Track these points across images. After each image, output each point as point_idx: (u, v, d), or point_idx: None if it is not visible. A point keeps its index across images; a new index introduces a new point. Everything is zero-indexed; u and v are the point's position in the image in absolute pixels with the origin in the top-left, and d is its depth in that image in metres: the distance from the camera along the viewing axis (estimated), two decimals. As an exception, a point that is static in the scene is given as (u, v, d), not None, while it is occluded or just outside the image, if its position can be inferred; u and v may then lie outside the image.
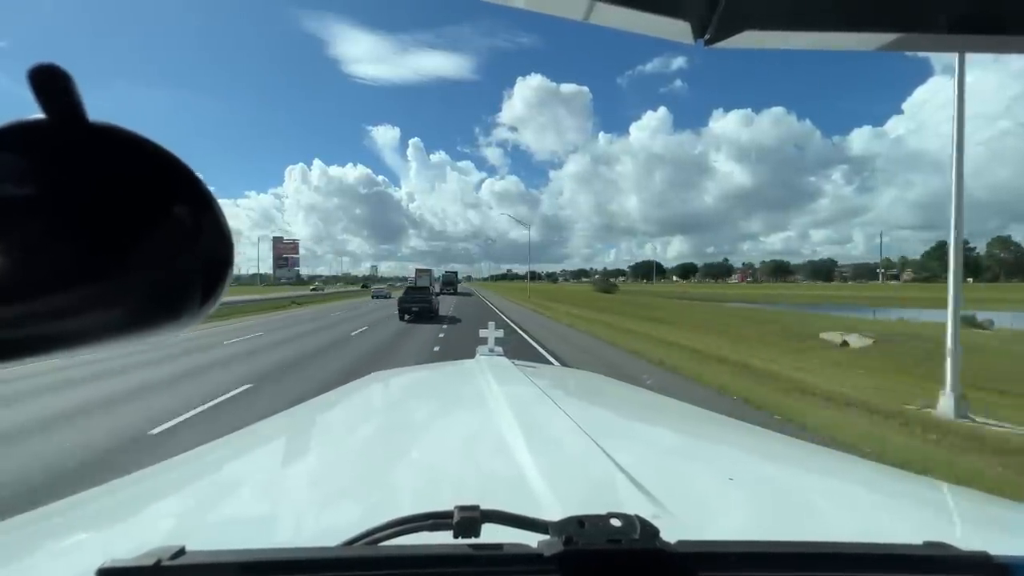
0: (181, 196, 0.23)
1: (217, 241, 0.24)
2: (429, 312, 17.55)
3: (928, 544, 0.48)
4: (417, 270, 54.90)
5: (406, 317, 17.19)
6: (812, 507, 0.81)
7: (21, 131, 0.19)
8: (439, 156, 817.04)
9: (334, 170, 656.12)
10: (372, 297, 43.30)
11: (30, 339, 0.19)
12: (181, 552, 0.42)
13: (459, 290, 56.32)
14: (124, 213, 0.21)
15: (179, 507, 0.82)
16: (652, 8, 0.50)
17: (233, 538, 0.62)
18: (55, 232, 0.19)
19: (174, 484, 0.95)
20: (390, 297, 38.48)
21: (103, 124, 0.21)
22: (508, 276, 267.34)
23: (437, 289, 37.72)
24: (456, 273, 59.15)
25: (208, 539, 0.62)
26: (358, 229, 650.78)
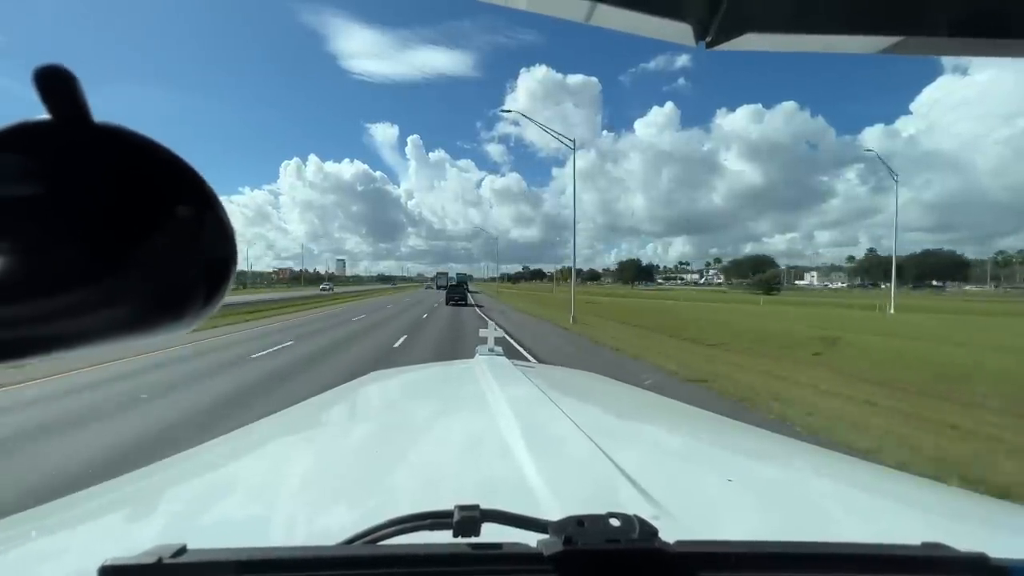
0: (185, 196, 0.23)
1: (220, 241, 0.24)
2: (463, 301, 30.67)
3: (926, 545, 0.48)
4: (438, 273, 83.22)
5: (450, 303, 29.53)
6: (810, 508, 0.81)
7: (27, 131, 0.19)
8: (439, 154, 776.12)
9: (330, 166, 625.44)
10: (424, 288, 71.39)
11: (36, 338, 0.19)
12: (182, 550, 0.43)
13: (468, 288, 68.16)
14: (128, 213, 0.21)
15: (180, 506, 0.82)
16: (653, 10, 0.50)
17: (234, 537, 0.62)
18: (60, 232, 0.20)
19: (175, 482, 0.95)
20: (433, 288, 63.28)
21: (108, 125, 0.21)
22: (529, 276, 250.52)
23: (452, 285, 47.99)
24: (465, 274, 76.50)
25: (209, 538, 0.62)
26: (355, 227, 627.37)
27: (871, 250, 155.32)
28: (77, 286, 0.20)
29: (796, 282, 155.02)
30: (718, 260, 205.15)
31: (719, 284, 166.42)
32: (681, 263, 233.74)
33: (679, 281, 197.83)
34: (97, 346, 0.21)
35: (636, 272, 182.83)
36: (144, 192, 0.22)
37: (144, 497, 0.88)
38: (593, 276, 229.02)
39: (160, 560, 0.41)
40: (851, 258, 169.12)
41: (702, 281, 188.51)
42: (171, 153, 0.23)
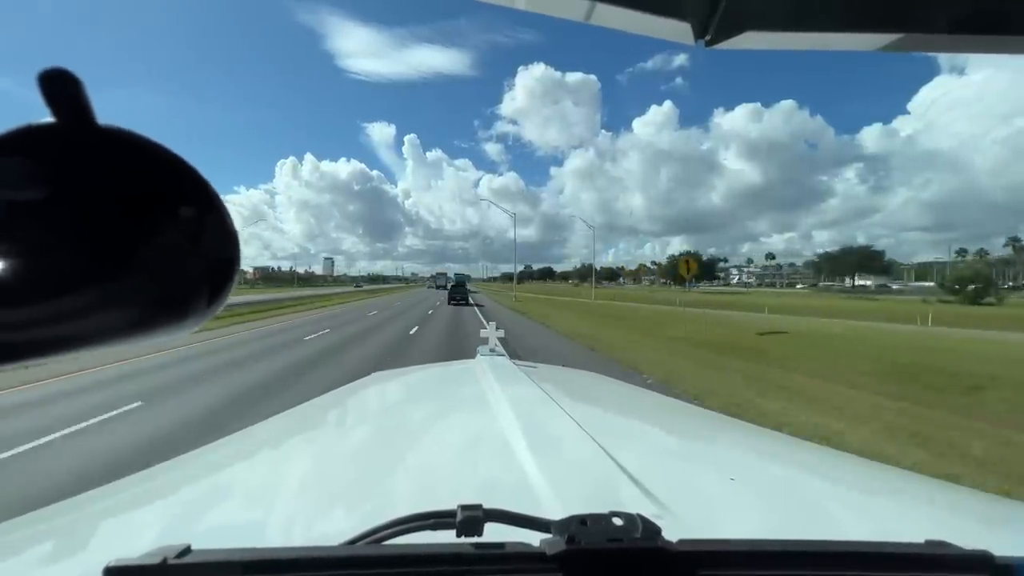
0: (188, 198, 0.23)
1: (223, 242, 0.24)
2: (465, 300, 31.44)
3: (930, 543, 0.48)
4: (437, 273, 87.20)
5: (452, 303, 30.17)
6: (813, 506, 0.81)
7: (31, 135, 0.19)
8: (436, 153, 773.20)
9: (327, 165, 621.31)
10: (427, 287, 72.19)
11: (41, 340, 0.20)
12: (187, 551, 0.43)
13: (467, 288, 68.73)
14: (132, 215, 0.21)
15: (184, 507, 0.83)
16: (653, 9, 0.50)
17: (238, 537, 0.62)
18: (64, 234, 0.20)
19: (179, 484, 0.95)
20: (434, 288, 66.03)
21: (111, 127, 0.21)
22: (532, 274, 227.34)
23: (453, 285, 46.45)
24: (464, 274, 78.51)
25: (213, 538, 0.62)
26: (352, 226, 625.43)
27: (1015, 239, 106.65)
28: (81, 288, 0.20)
29: (861, 282, 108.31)
30: (771, 256, 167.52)
31: (751, 284, 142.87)
32: (716, 259, 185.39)
33: (717, 281, 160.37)
34: (100, 348, 0.21)
35: (700, 270, 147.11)
36: (147, 194, 0.22)
37: (148, 499, 0.88)
38: (611, 276, 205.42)
39: (165, 560, 0.41)
40: (962, 251, 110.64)
41: (735, 281, 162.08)
42: (174, 155, 0.23)
